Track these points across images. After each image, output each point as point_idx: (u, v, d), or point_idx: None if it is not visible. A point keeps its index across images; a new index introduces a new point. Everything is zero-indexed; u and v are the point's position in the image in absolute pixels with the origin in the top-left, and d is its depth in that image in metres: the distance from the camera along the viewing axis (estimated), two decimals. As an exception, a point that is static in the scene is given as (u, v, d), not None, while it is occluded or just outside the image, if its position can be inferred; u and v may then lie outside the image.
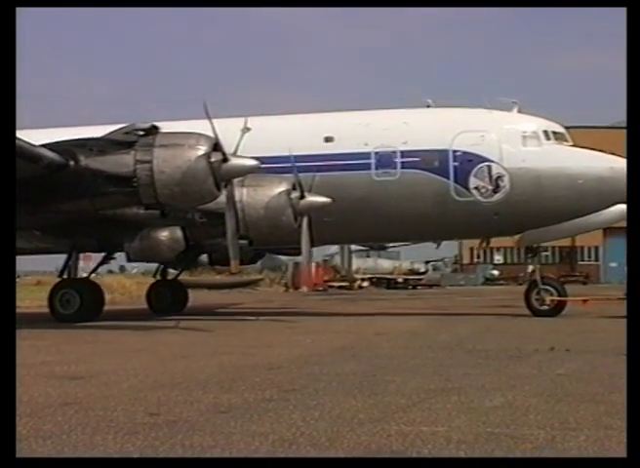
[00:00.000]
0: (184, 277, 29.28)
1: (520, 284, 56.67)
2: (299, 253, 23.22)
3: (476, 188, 16.90)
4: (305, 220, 16.22)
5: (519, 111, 17.83)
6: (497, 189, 16.81)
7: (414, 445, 4.46)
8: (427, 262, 53.81)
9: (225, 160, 13.48)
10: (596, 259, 59.63)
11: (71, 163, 13.61)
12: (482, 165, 16.90)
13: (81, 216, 14.57)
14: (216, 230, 15.59)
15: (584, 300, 17.66)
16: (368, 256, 51.25)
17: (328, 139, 17.69)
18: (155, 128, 13.90)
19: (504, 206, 16.78)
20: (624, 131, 8.24)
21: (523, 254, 20.91)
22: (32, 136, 14.14)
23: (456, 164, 17.01)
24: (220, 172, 13.40)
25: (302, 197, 16.19)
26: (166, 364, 8.56)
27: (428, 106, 18.55)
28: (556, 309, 16.59)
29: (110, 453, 4.34)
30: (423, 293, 37.39)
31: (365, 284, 46.75)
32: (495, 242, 20.36)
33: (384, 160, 17.41)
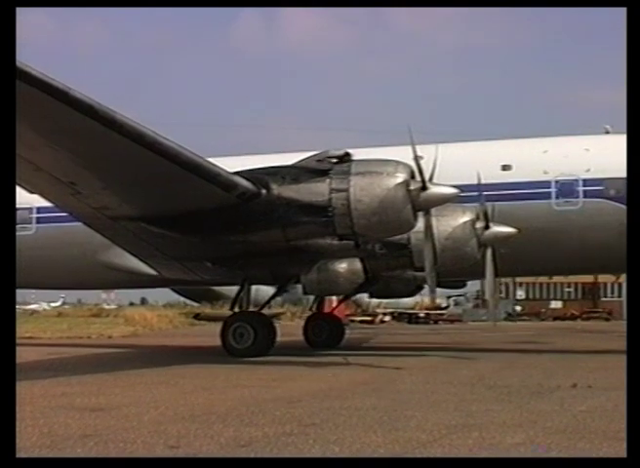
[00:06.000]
0: (204, 310, 29.19)
1: (542, 319, 56.39)
2: (460, 287, 22.53)
3: None
4: (489, 251, 15.60)
5: None
6: None
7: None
8: (449, 297, 53.54)
9: (424, 188, 13.03)
10: (619, 295, 59.09)
11: (263, 192, 13.04)
12: None
13: (270, 247, 13.82)
14: (395, 262, 15.32)
15: None
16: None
17: (505, 168, 17.22)
18: (348, 154, 13.38)
19: None
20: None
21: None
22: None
23: None
24: (418, 200, 12.93)
25: (487, 227, 15.60)
26: (187, 396, 8.56)
27: (607, 132, 18.08)
28: None
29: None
30: (445, 329, 37.17)
31: (387, 318, 46.57)
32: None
33: (566, 189, 16.85)
